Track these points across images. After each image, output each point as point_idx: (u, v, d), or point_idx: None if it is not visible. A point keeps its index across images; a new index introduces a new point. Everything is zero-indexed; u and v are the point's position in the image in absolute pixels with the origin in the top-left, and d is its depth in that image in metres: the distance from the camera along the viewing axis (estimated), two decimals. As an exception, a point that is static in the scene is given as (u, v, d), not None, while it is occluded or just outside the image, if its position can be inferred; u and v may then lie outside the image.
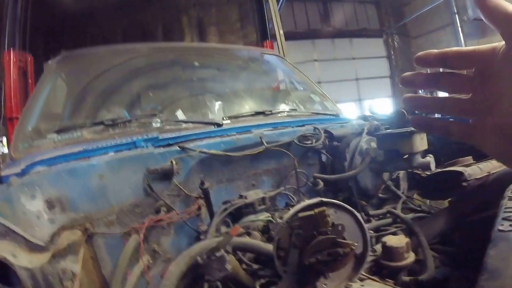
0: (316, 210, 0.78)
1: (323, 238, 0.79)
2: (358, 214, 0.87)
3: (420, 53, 0.48)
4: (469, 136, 0.47)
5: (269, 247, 1.02)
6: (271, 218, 1.22)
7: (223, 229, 1.29)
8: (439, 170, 1.49)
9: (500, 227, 0.81)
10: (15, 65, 4.42)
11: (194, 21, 7.99)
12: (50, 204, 1.13)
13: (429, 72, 0.48)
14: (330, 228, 0.80)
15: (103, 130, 1.71)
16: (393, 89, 14.42)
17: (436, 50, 0.46)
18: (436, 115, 0.60)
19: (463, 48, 0.44)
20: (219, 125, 1.70)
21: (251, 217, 1.24)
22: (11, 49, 4.49)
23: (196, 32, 7.94)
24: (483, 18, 0.41)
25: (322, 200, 0.83)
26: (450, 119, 0.49)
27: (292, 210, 0.83)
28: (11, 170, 1.39)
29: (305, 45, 13.02)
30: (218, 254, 0.87)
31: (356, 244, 0.82)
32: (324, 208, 0.80)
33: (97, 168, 1.23)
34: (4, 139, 5.06)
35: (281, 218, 1.12)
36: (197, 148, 1.39)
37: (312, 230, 0.79)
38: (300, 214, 0.81)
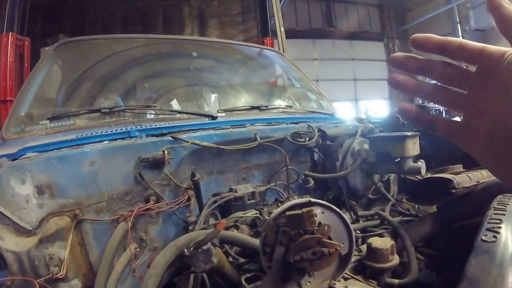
0: (304, 210, 0.79)
1: (308, 237, 0.80)
2: (345, 216, 0.88)
3: (418, 36, 0.45)
4: (457, 136, 0.45)
5: (256, 242, 1.03)
6: (259, 215, 1.22)
7: (212, 221, 1.29)
8: (429, 176, 1.50)
9: (484, 237, 0.83)
10: (12, 47, 4.38)
11: (195, 12, 7.96)
12: (39, 190, 1.12)
13: (424, 58, 0.45)
14: (316, 228, 0.81)
15: (97, 118, 1.71)
16: (389, 91, 14.49)
17: (438, 37, 0.44)
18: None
19: (470, 43, 0.42)
20: (213, 117, 1.70)
21: (239, 214, 1.24)
22: (9, 32, 4.45)
23: (197, 23, 7.91)
24: (493, 24, 0.39)
25: (310, 200, 0.84)
26: (440, 116, 0.47)
27: (280, 208, 0.84)
28: (1, 151, 1.39)
29: (305, 44, 13.02)
30: (204, 247, 0.87)
31: (341, 245, 0.83)
32: (312, 208, 0.81)
33: (89, 155, 1.23)
34: None
35: (269, 214, 1.13)
36: (190, 139, 1.38)
37: (299, 229, 0.80)
38: (288, 213, 0.82)
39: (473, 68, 0.42)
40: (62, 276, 1.04)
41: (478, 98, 0.42)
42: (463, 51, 0.42)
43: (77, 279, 1.10)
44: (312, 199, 0.84)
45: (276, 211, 0.84)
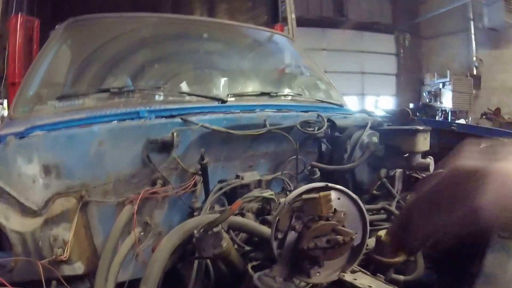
0: (321, 194, 0.77)
1: (324, 223, 0.77)
2: (362, 204, 0.85)
3: None
4: None
5: (264, 229, 1.02)
6: (274, 197, 1.20)
7: (217, 207, 1.28)
8: (438, 171, 1.48)
9: (501, 233, 0.81)
10: (21, 29, 4.33)
11: (205, -4, 7.84)
12: (46, 169, 1.11)
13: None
14: (332, 214, 0.78)
15: (106, 98, 1.70)
16: (397, 87, 14.35)
17: None
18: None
19: None
20: (223, 101, 1.68)
21: (256, 192, 1.22)
22: (19, 13, 4.40)
23: (206, 7, 7.82)
24: None
25: (327, 184, 0.81)
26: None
27: (296, 191, 0.81)
28: (9, 129, 1.38)
29: (315, 33, 12.85)
30: (215, 229, 0.86)
31: (356, 234, 0.81)
32: (329, 192, 0.78)
33: (97, 135, 1.22)
34: (5, 102, 5.00)
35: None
36: (200, 122, 1.37)
37: (314, 214, 0.78)
38: (304, 196, 0.79)
39: None
40: (65, 258, 1.04)
41: None
42: None
43: (80, 262, 1.10)
44: (329, 184, 0.81)
45: (292, 193, 0.81)
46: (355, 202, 0.84)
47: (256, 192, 1.22)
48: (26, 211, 1.06)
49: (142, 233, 1.24)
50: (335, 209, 0.79)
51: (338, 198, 0.82)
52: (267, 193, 1.21)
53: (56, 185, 1.12)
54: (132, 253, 1.17)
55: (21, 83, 1.93)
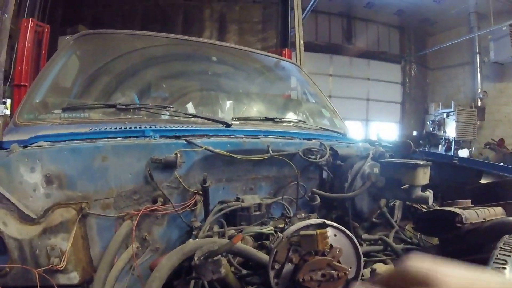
0: (318, 231, 0.80)
1: (320, 258, 0.80)
2: (356, 241, 0.88)
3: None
4: None
5: (263, 256, 1.03)
6: (273, 232, 1.22)
7: (216, 228, 1.30)
8: (437, 208, 1.50)
9: None
10: (31, 33, 4.44)
11: (216, 15, 8.04)
12: (48, 179, 1.14)
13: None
14: (328, 250, 0.81)
15: (111, 113, 1.72)
16: (402, 115, 14.41)
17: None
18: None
19: None
20: (228, 125, 1.71)
21: (256, 228, 1.24)
22: (30, 17, 4.52)
23: (217, 26, 7.98)
24: None
25: (324, 221, 0.85)
26: None
27: (293, 226, 0.85)
28: (13, 136, 1.41)
29: (323, 59, 13.02)
30: (215, 258, 0.88)
31: (350, 269, 0.83)
32: (326, 230, 0.81)
33: (102, 150, 1.24)
34: (9, 102, 5.08)
35: (281, 231, 1.13)
36: (204, 144, 1.40)
37: (311, 249, 0.81)
38: (302, 232, 0.82)
39: None
40: (61, 268, 1.05)
41: None
42: None
43: (76, 272, 1.10)
44: (326, 221, 0.85)
45: (290, 229, 0.85)
46: (351, 239, 0.87)
47: (256, 229, 1.24)
48: (25, 218, 1.07)
49: (139, 248, 1.26)
50: (331, 245, 0.82)
51: (335, 235, 0.86)
52: (267, 229, 1.23)
53: (56, 196, 1.14)
54: (129, 266, 1.19)
55: (28, 89, 1.94)
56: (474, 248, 1.30)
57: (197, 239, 1.10)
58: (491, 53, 11.65)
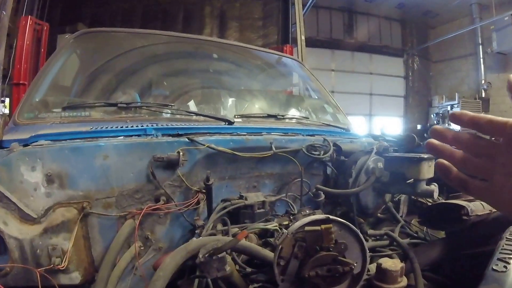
0: (323, 226, 0.80)
1: (325, 254, 0.80)
2: (361, 236, 0.88)
3: (456, 112, 0.55)
4: (486, 196, 0.54)
5: (267, 253, 1.02)
6: (278, 228, 1.21)
7: (219, 226, 1.29)
8: (443, 201, 1.49)
9: (495, 267, 0.85)
10: (30, 31, 4.42)
11: (216, 12, 8.01)
12: (49, 178, 1.13)
13: (459, 132, 0.56)
14: (333, 245, 0.81)
15: (113, 112, 1.72)
16: (405, 109, 14.35)
17: (470, 113, 0.53)
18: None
19: (496, 118, 0.50)
20: (230, 122, 1.70)
21: (260, 225, 1.24)
22: (29, 15, 4.49)
23: (217, 23, 7.95)
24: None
25: (329, 217, 0.84)
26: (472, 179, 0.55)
27: (298, 222, 0.84)
28: (13, 135, 1.40)
29: (324, 54, 12.99)
30: (220, 255, 0.87)
31: (355, 264, 0.83)
32: (331, 225, 0.81)
33: (103, 149, 1.23)
34: (7, 100, 5.08)
35: (285, 227, 1.13)
36: (206, 142, 1.39)
37: (316, 245, 0.81)
38: (306, 228, 0.82)
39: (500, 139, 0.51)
40: (63, 268, 1.05)
41: (504, 163, 0.50)
42: (490, 125, 0.51)
43: (77, 272, 1.09)
44: (331, 217, 0.84)
45: (294, 225, 0.85)
46: (356, 234, 0.87)
47: (260, 225, 1.24)
48: (26, 218, 1.07)
49: (142, 248, 1.25)
50: (336, 240, 0.82)
51: (340, 230, 0.86)
52: (271, 225, 1.22)
53: (58, 195, 1.13)
54: (131, 266, 1.18)
55: (27, 88, 1.94)
56: (481, 240, 1.30)
57: (201, 238, 1.10)
58: (494, 43, 11.56)
